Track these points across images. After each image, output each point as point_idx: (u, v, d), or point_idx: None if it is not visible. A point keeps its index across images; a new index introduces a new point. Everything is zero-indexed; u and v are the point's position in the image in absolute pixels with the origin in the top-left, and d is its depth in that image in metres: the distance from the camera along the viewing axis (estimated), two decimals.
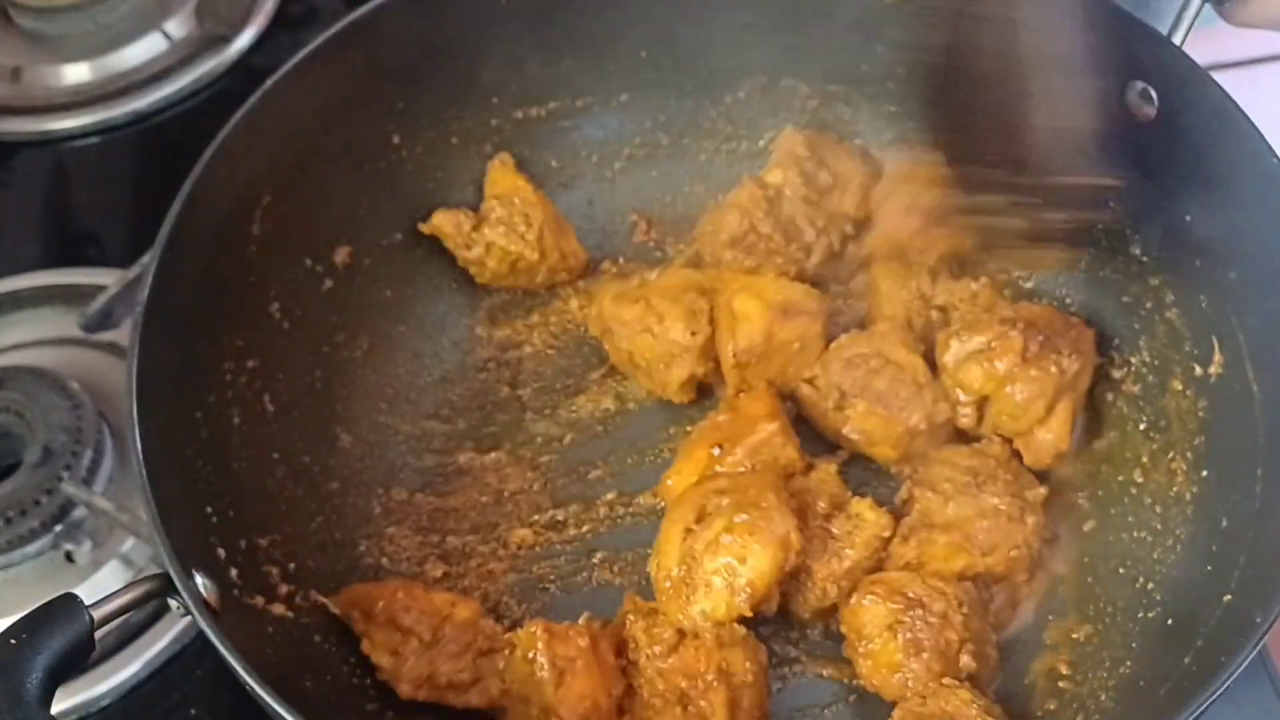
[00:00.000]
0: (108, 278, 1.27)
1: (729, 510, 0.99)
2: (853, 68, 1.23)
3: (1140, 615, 1.02)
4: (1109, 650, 1.02)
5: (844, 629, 1.01)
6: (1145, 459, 1.10)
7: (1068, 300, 1.19)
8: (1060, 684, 1.02)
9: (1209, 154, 1.02)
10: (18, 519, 1.12)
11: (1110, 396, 1.14)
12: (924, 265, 1.16)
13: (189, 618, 0.85)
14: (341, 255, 1.18)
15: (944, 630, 0.97)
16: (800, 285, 1.16)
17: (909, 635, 0.97)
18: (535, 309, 1.26)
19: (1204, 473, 1.04)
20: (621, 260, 1.28)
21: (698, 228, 1.24)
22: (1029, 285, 1.21)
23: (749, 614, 0.98)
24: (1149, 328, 1.12)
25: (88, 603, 0.81)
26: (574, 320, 1.25)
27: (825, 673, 1.05)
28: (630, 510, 1.14)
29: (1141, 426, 1.11)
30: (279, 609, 1.01)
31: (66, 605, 0.81)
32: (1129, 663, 1.00)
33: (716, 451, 1.08)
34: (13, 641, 0.78)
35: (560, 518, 1.14)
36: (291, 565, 1.05)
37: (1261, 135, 0.98)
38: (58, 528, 1.13)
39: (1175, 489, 1.06)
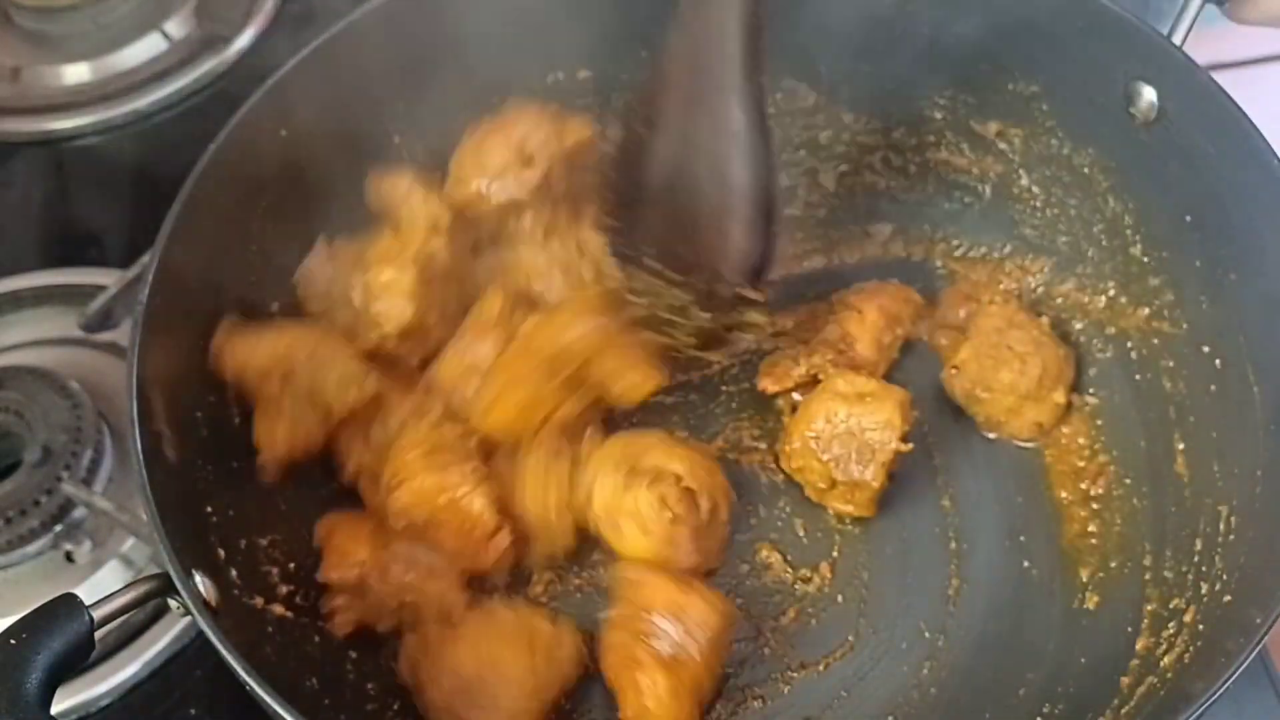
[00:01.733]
0: (108, 278, 1.27)
1: None
2: (854, 67, 1.23)
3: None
4: None
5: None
6: (1146, 462, 1.10)
7: (1069, 301, 1.19)
8: (1060, 688, 1.02)
9: (1209, 154, 1.02)
10: (18, 519, 1.12)
11: (1113, 399, 1.15)
12: None
13: (189, 618, 0.85)
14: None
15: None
16: None
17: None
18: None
19: (1204, 473, 1.04)
20: None
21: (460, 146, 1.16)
22: (1039, 292, 1.21)
23: None
24: (1149, 329, 1.12)
25: (88, 603, 0.81)
26: None
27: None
28: None
29: (1142, 428, 1.11)
30: (279, 609, 1.01)
31: (66, 605, 0.81)
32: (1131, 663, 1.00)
33: None
34: (13, 641, 0.78)
35: None
36: (291, 565, 1.05)
37: (1261, 135, 0.98)
38: (58, 528, 1.13)
39: (1176, 490, 1.06)
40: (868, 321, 1.18)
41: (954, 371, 1.15)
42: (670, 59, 1.00)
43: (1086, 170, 1.14)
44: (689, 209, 1.02)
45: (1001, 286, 1.22)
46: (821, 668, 1.06)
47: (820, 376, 1.15)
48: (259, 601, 0.99)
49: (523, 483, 1.06)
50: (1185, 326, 1.08)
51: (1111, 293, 1.16)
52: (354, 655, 1.04)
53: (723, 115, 0.98)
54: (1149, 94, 1.04)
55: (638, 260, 1.05)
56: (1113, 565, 1.08)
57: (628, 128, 1.05)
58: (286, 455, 1.05)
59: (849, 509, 1.11)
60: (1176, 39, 1.03)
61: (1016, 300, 1.20)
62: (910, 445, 1.08)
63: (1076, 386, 1.16)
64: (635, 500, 1.03)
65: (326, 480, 1.12)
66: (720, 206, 1.01)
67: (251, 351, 1.04)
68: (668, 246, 1.04)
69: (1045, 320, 1.16)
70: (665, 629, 0.97)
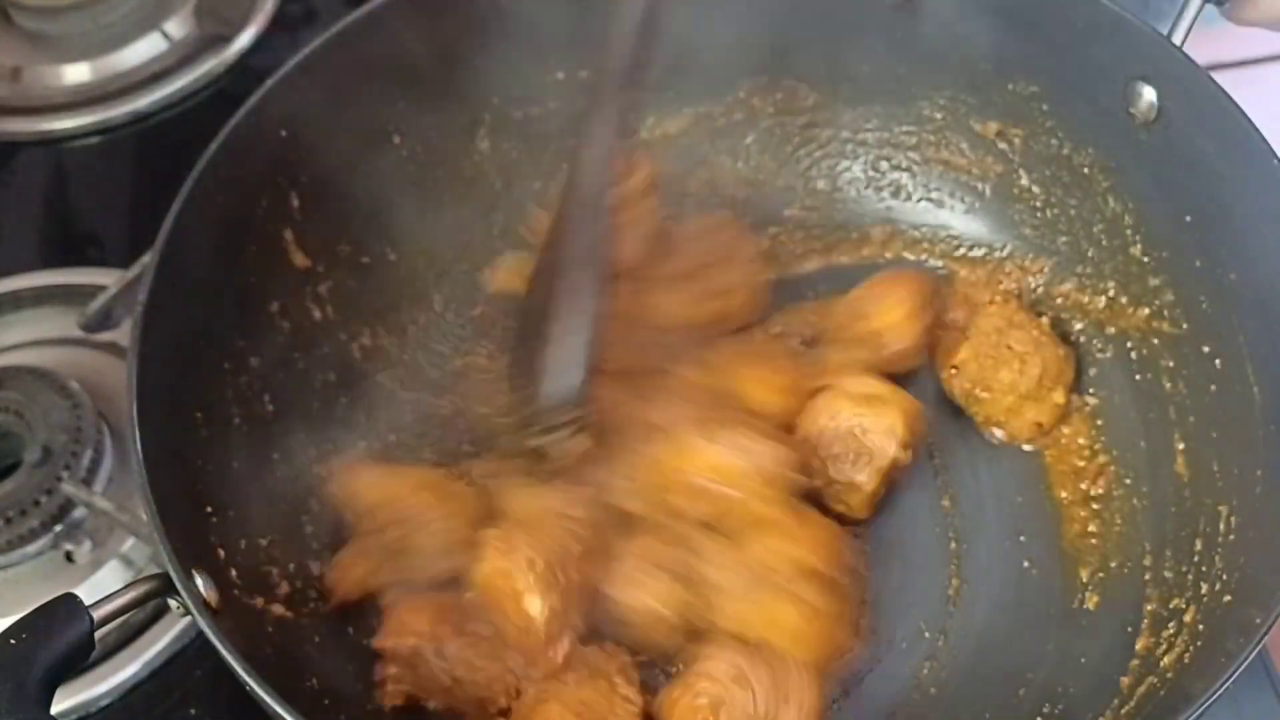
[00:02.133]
0: (108, 278, 1.27)
1: None
2: (854, 67, 1.23)
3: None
4: None
5: None
6: (1146, 462, 1.10)
7: (1069, 301, 1.19)
8: (1060, 688, 1.02)
9: (1209, 154, 1.02)
10: (18, 519, 1.12)
11: (1113, 399, 1.15)
12: None
13: (189, 618, 0.85)
14: (341, 255, 1.18)
15: None
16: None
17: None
18: None
19: (1204, 473, 1.04)
20: None
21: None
22: (1039, 292, 1.21)
23: None
24: (1149, 329, 1.12)
25: (88, 603, 0.81)
26: None
27: None
28: None
29: (1142, 428, 1.11)
30: (279, 609, 1.01)
31: (66, 605, 0.81)
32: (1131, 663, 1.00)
33: None
34: (13, 641, 0.78)
35: None
36: (291, 565, 1.05)
37: (1261, 135, 0.98)
38: (58, 528, 1.13)
39: (1176, 490, 1.06)
40: (897, 312, 1.16)
41: (954, 371, 1.15)
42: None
43: (1086, 170, 1.14)
44: (532, 330, 1.06)
45: (1001, 286, 1.22)
46: None
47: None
48: (259, 601, 0.99)
49: (626, 575, 1.01)
50: (1185, 326, 1.08)
51: (1111, 293, 1.16)
52: (354, 655, 1.04)
53: (568, 245, 1.05)
54: (1149, 94, 1.04)
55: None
56: (1113, 565, 1.08)
57: None
58: (354, 594, 1.04)
59: (842, 508, 1.10)
60: (1176, 39, 1.03)
61: (1016, 300, 1.19)
62: (911, 454, 1.08)
63: (1076, 386, 1.16)
64: (772, 613, 0.98)
65: None
66: (544, 334, 1.04)
67: (365, 487, 1.04)
68: (519, 361, 1.08)
69: (1045, 320, 1.16)
70: None
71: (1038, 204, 1.20)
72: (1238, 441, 1.00)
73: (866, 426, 1.08)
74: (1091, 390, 1.16)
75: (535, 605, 0.97)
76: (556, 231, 1.06)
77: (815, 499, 1.11)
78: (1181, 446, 1.07)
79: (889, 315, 1.16)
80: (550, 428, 1.04)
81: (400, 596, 1.05)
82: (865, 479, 1.08)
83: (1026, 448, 1.15)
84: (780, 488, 1.02)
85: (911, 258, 1.27)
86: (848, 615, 1.03)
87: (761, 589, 0.98)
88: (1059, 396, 1.14)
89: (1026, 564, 1.10)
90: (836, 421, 1.09)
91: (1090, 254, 1.17)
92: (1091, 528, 1.11)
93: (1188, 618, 0.97)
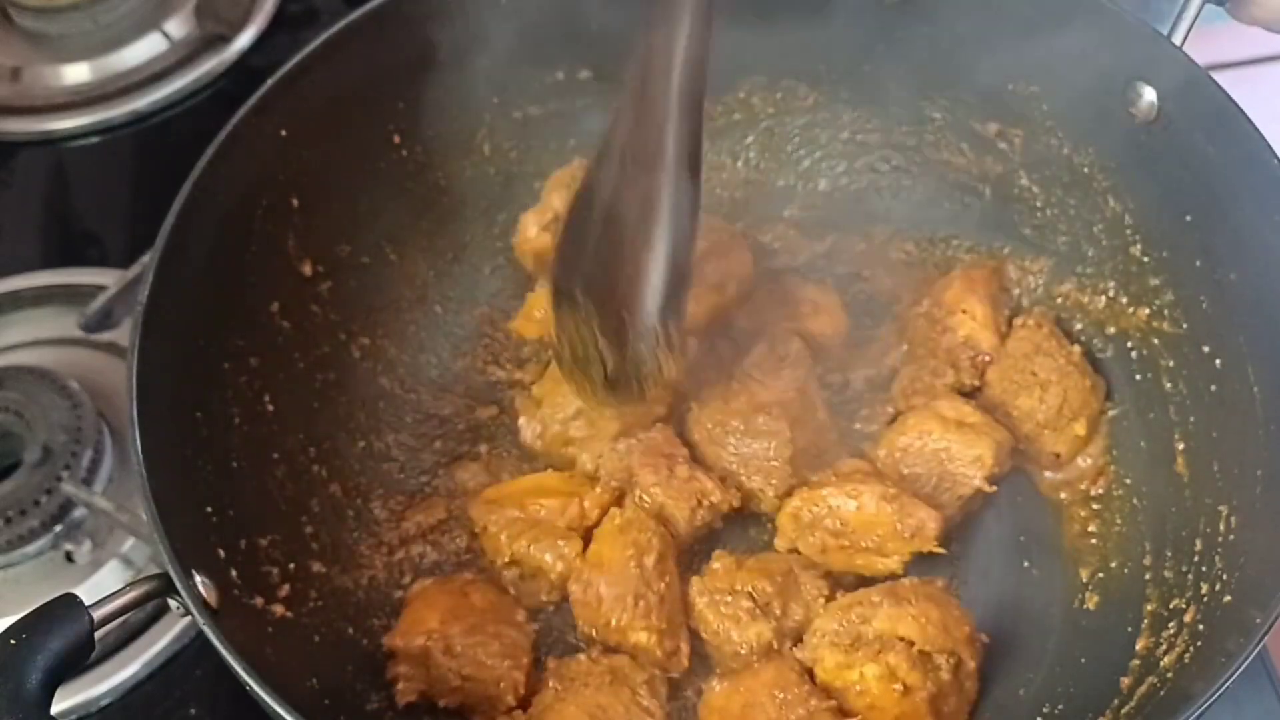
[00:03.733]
0: (108, 278, 1.27)
1: None
2: (854, 67, 1.23)
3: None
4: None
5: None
6: (1146, 462, 1.10)
7: (1069, 301, 1.19)
8: (1060, 688, 1.02)
9: (1209, 154, 1.02)
10: (18, 519, 1.12)
11: (1113, 399, 1.15)
12: None
13: (189, 618, 0.85)
14: (341, 255, 1.18)
15: None
16: None
17: None
18: None
19: (1204, 473, 1.04)
20: None
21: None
22: (1039, 292, 1.21)
23: None
24: (1149, 329, 1.12)
25: (88, 603, 0.81)
26: None
27: None
28: None
29: (1142, 428, 1.11)
30: (279, 609, 1.01)
31: (66, 605, 0.81)
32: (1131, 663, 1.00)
33: None
34: (13, 642, 0.78)
35: None
36: (291, 565, 1.05)
37: (1261, 135, 0.98)
38: (58, 528, 1.13)
39: (1176, 490, 1.06)
40: (980, 317, 1.15)
41: (977, 389, 1.14)
42: (627, 85, 0.98)
43: (1086, 170, 1.14)
44: (615, 238, 0.98)
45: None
46: None
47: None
48: (259, 601, 0.99)
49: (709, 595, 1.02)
50: (1185, 326, 1.08)
51: (1111, 293, 1.16)
52: (354, 655, 1.04)
53: (656, 145, 0.96)
54: (1149, 94, 1.04)
55: (571, 294, 1.00)
56: (1113, 565, 1.08)
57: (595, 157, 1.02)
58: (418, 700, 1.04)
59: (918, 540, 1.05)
60: (1176, 39, 1.03)
61: (1050, 324, 1.16)
62: (994, 488, 1.07)
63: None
64: (860, 675, 0.97)
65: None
66: (641, 239, 0.97)
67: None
68: (593, 274, 0.99)
69: (1078, 349, 1.14)
70: None
71: (1038, 204, 1.20)
72: (1238, 441, 1.00)
73: (953, 453, 1.07)
74: None
75: (642, 637, 1.00)
76: (633, 130, 0.97)
77: None
78: (1181, 446, 1.07)
79: (972, 322, 1.15)
80: (647, 351, 0.98)
81: (423, 591, 1.07)
82: (945, 503, 1.06)
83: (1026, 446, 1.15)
84: (909, 551, 1.03)
85: (910, 258, 1.27)
86: (950, 695, 0.99)
87: (854, 659, 0.98)
88: (1080, 428, 1.11)
89: (1026, 564, 1.10)
90: (923, 441, 1.08)
91: (1090, 254, 1.17)
92: (1091, 528, 1.11)
93: (1188, 618, 0.97)
